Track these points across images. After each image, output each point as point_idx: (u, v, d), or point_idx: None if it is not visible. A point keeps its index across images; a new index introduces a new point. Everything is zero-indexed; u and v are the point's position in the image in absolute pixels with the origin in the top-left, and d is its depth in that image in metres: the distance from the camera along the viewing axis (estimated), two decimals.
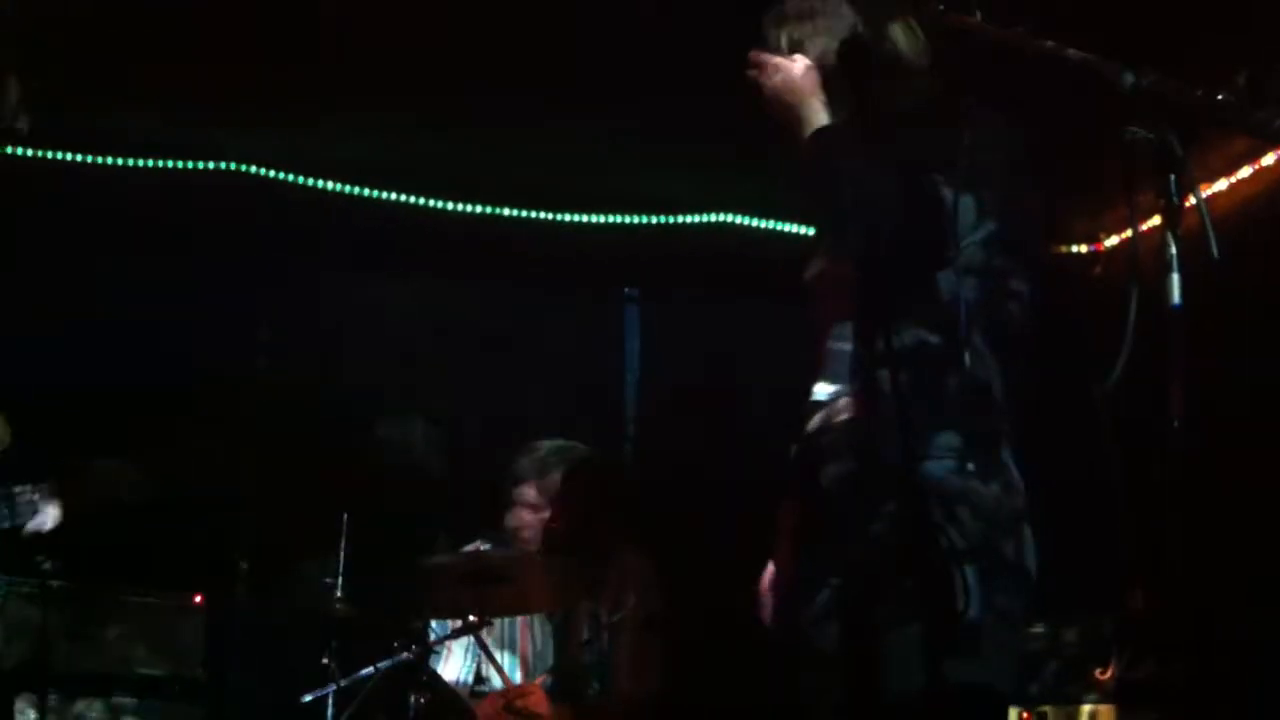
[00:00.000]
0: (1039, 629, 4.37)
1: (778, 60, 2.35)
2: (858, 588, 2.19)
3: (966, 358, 2.20)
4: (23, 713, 3.89)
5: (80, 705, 4.03)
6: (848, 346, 2.31)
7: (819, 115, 2.30)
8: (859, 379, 2.26)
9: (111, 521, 3.57)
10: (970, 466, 2.16)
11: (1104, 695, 4.19)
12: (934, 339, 2.19)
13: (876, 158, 2.20)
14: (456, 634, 4.01)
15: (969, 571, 2.10)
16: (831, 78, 2.34)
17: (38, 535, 3.40)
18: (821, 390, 2.34)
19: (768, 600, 2.53)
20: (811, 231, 2.65)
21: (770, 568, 2.55)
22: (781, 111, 2.34)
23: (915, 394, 2.14)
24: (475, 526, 4.51)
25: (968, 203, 2.18)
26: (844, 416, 2.28)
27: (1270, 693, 3.70)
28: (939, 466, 2.15)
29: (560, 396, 5.50)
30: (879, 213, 2.17)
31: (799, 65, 2.34)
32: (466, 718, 3.90)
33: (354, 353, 5.58)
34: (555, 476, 4.34)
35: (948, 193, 2.17)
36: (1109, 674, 4.18)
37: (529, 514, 4.31)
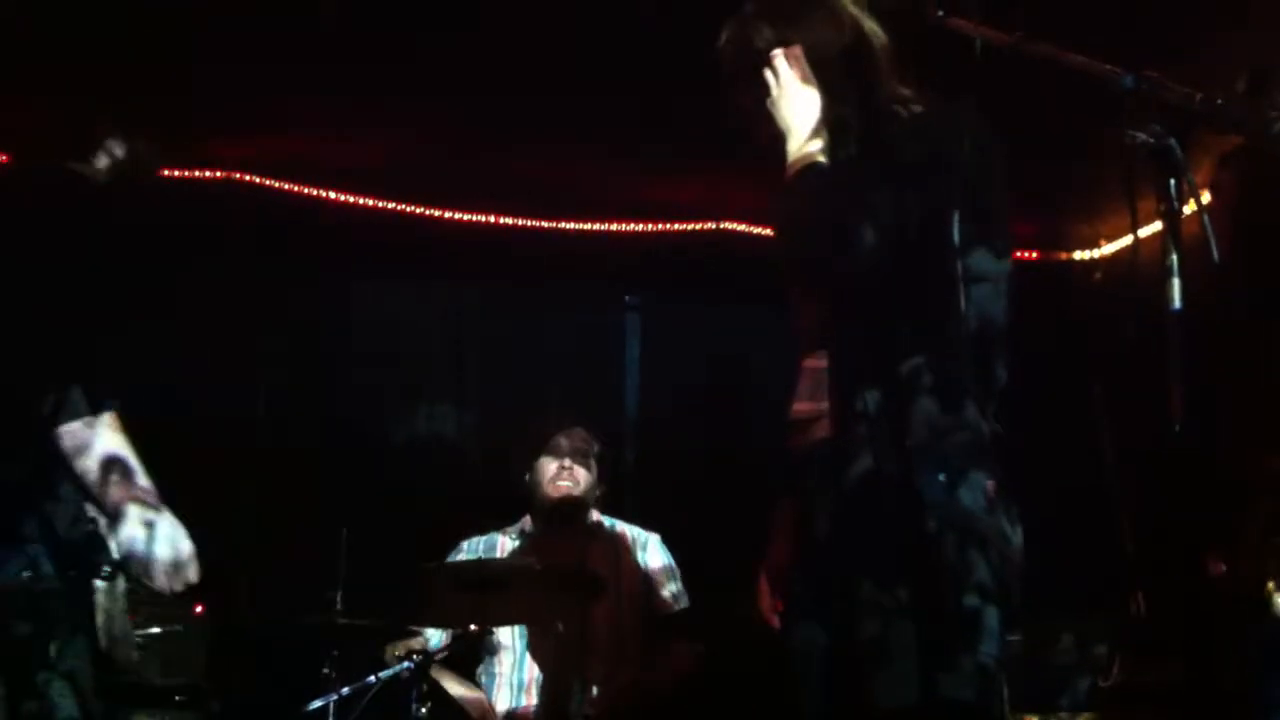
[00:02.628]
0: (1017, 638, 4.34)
1: (793, 87, 2.30)
2: (846, 611, 2.15)
3: (996, 390, 2.18)
4: None
5: None
6: (825, 364, 2.29)
7: (809, 148, 2.26)
8: (836, 399, 2.22)
9: None
10: (1001, 510, 2.13)
11: (1103, 701, 4.17)
12: (953, 364, 2.14)
13: (868, 185, 2.18)
14: (456, 643, 4.01)
15: (992, 613, 2.07)
16: (817, 76, 2.32)
17: None
18: (801, 409, 2.30)
19: (767, 600, 2.51)
20: None
21: (767, 568, 2.52)
22: (776, 130, 2.31)
23: (941, 424, 2.10)
24: (479, 529, 4.51)
25: (967, 215, 2.15)
26: (822, 435, 2.25)
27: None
28: (972, 500, 2.10)
29: (561, 402, 5.50)
30: (863, 265, 2.14)
31: (807, 96, 2.29)
32: None
33: (355, 358, 5.59)
34: (581, 433, 4.43)
35: (946, 205, 2.14)
36: (1110, 680, 4.16)
37: (567, 465, 4.38)
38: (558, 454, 4.38)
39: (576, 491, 4.36)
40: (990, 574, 2.08)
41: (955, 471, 2.10)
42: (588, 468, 4.40)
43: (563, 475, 4.35)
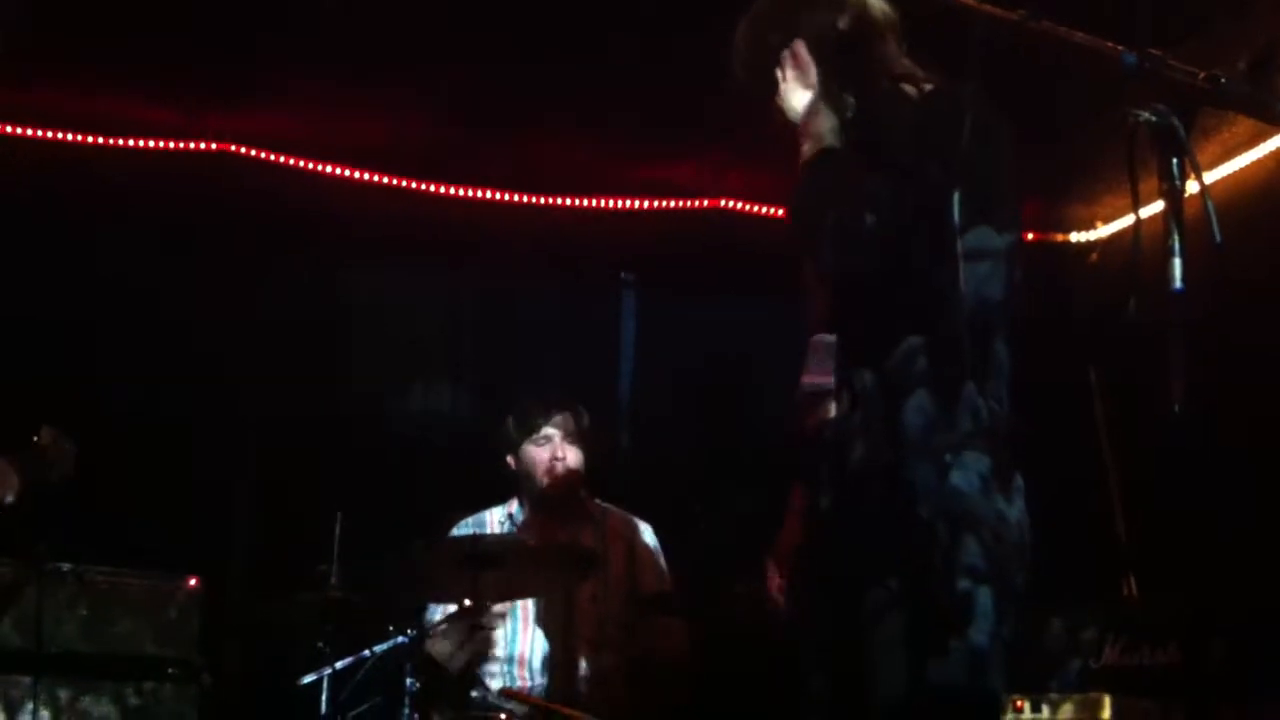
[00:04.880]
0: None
1: (802, 84, 2.34)
2: (842, 600, 2.17)
3: (996, 368, 2.18)
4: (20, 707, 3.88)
5: (87, 700, 4.02)
6: (830, 339, 2.30)
7: (822, 142, 2.29)
8: (844, 378, 2.23)
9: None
10: (997, 489, 2.14)
11: (1097, 683, 4.19)
12: (949, 347, 2.14)
13: (870, 172, 2.18)
14: (452, 618, 4.01)
15: (985, 593, 2.08)
16: (821, 62, 2.32)
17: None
18: (811, 382, 2.32)
19: (775, 582, 2.52)
20: None
21: (775, 550, 2.53)
22: (790, 124, 2.33)
23: (937, 406, 2.11)
24: (474, 509, 4.50)
25: (969, 195, 2.15)
26: (833, 413, 2.26)
27: (1268, 684, 3.69)
28: (965, 482, 2.11)
29: (555, 381, 5.49)
30: (861, 251, 2.16)
31: (815, 89, 2.32)
32: (462, 701, 3.90)
33: (349, 339, 5.58)
34: (570, 415, 4.36)
35: (947, 186, 2.14)
36: (1100, 662, 4.17)
37: (555, 447, 4.31)
38: (549, 443, 4.33)
39: (569, 475, 4.33)
40: (982, 555, 2.09)
41: (948, 456, 2.11)
42: (578, 447, 4.36)
43: (556, 466, 4.31)
